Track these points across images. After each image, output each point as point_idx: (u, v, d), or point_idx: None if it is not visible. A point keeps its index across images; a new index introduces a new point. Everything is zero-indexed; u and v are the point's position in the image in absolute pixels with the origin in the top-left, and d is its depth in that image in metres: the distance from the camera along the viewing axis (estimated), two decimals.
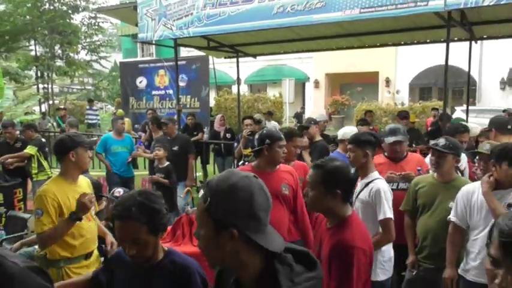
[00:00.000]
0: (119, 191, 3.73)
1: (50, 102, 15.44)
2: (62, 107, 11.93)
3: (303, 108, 22.28)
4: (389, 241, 2.89)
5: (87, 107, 15.74)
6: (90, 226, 3.00)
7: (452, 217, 2.93)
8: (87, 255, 2.95)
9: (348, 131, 4.72)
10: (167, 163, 5.64)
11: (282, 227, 3.01)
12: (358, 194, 2.97)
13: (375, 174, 3.03)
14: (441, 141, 3.19)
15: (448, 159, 3.08)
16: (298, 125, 9.56)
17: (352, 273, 1.93)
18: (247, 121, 7.18)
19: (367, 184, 2.95)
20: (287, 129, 4.34)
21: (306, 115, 23.35)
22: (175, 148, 6.23)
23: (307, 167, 3.78)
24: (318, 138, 5.40)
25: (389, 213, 2.80)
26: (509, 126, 4.06)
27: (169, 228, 3.02)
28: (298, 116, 19.12)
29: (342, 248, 1.99)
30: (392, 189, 3.42)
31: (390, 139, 3.67)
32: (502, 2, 4.50)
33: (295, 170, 3.47)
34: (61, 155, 2.94)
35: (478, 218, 2.80)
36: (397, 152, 3.71)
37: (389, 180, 3.46)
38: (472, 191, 2.86)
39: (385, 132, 4.03)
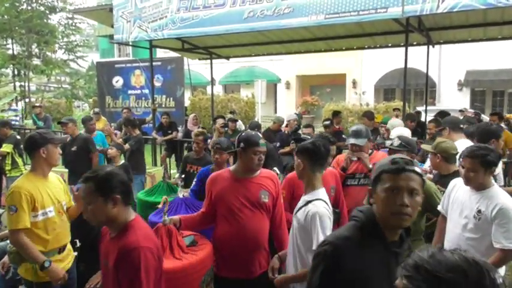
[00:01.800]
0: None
1: (27, 100, 15.44)
2: (38, 104, 12.00)
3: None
4: None
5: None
6: (62, 220, 2.98)
7: (439, 206, 3.03)
8: (60, 249, 2.95)
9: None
10: (122, 161, 5.73)
11: (263, 236, 2.86)
12: (297, 210, 2.55)
13: (318, 192, 2.52)
14: (395, 141, 3.36)
15: None
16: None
17: (141, 274, 1.86)
18: (220, 120, 7.27)
19: (306, 203, 2.49)
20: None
21: (278, 115, 23.96)
22: (74, 148, 6.10)
23: (338, 175, 3.59)
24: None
25: None
26: (461, 125, 4.34)
27: None
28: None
29: (128, 251, 1.89)
30: (353, 184, 3.68)
31: (350, 140, 3.71)
32: (454, 10, 4.90)
33: (326, 177, 3.17)
34: (32, 151, 2.94)
35: (450, 212, 2.88)
36: (358, 151, 3.69)
37: (346, 163, 3.65)
38: (454, 184, 2.92)
39: (348, 133, 4.09)
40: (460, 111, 12.80)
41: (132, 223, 2.04)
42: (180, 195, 3.63)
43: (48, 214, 2.86)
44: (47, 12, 15.99)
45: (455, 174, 3.11)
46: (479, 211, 2.63)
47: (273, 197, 2.88)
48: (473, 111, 12.94)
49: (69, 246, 3.08)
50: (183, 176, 4.43)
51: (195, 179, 4.06)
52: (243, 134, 2.96)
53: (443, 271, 0.99)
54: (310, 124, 7.86)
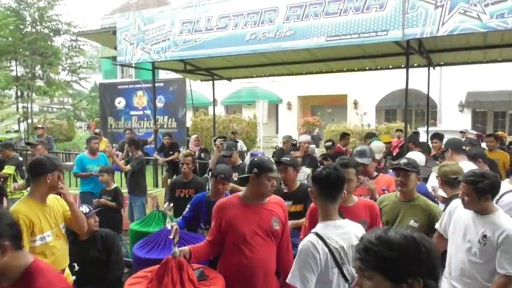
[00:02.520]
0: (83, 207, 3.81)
1: (29, 121, 15.53)
2: (40, 125, 12.03)
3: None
4: None
5: None
6: (61, 244, 2.94)
7: (437, 224, 2.99)
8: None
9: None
10: (114, 186, 5.69)
11: (274, 264, 2.79)
12: None
13: (327, 224, 2.29)
14: (403, 161, 3.25)
15: (411, 178, 3.10)
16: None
17: None
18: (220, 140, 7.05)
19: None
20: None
21: (280, 135, 24.02)
22: None
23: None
24: (239, 162, 5.47)
25: (297, 281, 2.16)
26: (463, 147, 4.37)
27: (152, 273, 2.61)
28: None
29: None
30: None
31: (356, 159, 3.65)
32: (455, 33, 4.92)
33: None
34: (38, 175, 2.85)
35: (452, 234, 2.84)
36: (362, 173, 3.64)
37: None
38: (456, 206, 2.87)
39: (352, 153, 4.07)
40: (461, 132, 12.80)
41: (35, 266, 1.76)
42: (169, 227, 3.32)
43: (47, 239, 2.82)
44: (51, 34, 16.22)
45: (455, 197, 3.07)
46: (484, 236, 2.60)
47: (282, 223, 2.80)
48: (475, 132, 12.92)
49: (67, 271, 3.03)
50: (171, 204, 4.12)
51: (188, 205, 3.82)
52: (255, 159, 2.85)
53: (387, 250, 1.19)
54: (295, 144, 7.66)
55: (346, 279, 2.21)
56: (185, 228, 3.67)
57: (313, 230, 2.27)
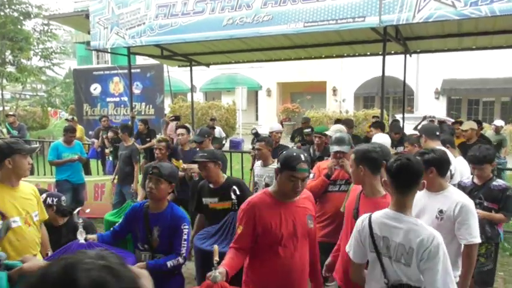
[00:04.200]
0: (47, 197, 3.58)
1: (1, 108, 15.03)
2: (12, 113, 11.68)
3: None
4: None
5: None
6: (30, 231, 2.89)
7: None
8: None
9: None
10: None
11: (307, 269, 2.58)
12: None
13: None
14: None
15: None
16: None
17: None
18: (180, 130, 5.87)
19: None
20: None
21: (259, 122, 24.04)
22: None
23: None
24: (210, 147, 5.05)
25: (348, 248, 2.37)
26: (437, 133, 4.34)
27: None
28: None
29: None
30: (334, 190, 3.67)
31: (334, 148, 3.66)
32: (430, 20, 4.99)
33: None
34: None
35: None
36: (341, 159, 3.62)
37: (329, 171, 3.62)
38: None
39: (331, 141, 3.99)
40: (430, 120, 12.87)
41: None
42: (82, 240, 2.78)
43: (12, 224, 2.76)
44: (21, 18, 15.63)
45: None
46: (440, 211, 2.67)
47: (314, 218, 2.62)
48: (450, 120, 13.16)
49: (39, 257, 2.95)
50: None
51: (122, 216, 3.21)
52: (283, 152, 2.51)
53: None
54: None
55: (383, 271, 2.16)
56: (114, 244, 3.00)
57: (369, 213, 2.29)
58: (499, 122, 8.86)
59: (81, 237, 2.80)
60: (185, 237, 2.87)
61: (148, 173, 2.97)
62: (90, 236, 2.89)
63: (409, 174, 2.13)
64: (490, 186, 3.65)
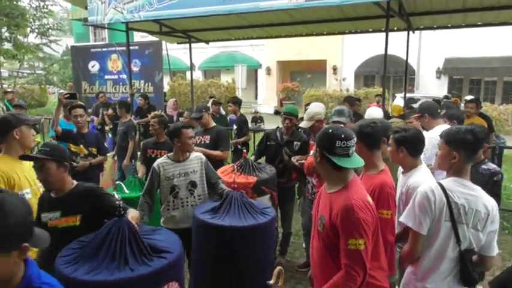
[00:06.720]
0: None
1: None
2: (10, 90, 11.59)
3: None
4: None
5: None
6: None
7: None
8: None
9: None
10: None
11: None
12: None
13: None
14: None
15: None
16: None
17: None
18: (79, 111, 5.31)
19: None
20: None
21: (259, 101, 23.91)
22: None
23: None
24: (212, 124, 4.86)
25: (410, 221, 2.27)
26: (439, 111, 4.23)
27: None
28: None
29: None
30: None
31: (333, 118, 3.66)
32: None
33: None
34: (5, 133, 2.88)
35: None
36: None
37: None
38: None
39: (331, 113, 3.95)
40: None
41: None
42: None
43: (26, 196, 2.74)
44: None
45: None
46: (401, 193, 2.67)
47: None
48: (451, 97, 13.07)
49: None
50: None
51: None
52: (326, 128, 2.20)
53: None
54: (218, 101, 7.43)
55: (458, 240, 2.16)
56: None
57: (438, 181, 2.25)
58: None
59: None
60: None
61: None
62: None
63: (478, 141, 2.18)
64: (479, 169, 3.39)
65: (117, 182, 2.40)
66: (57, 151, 2.51)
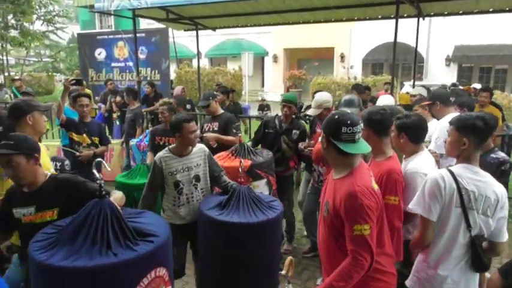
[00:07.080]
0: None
1: (6, 73, 14.91)
2: (18, 77, 11.64)
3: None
4: None
5: None
6: None
7: None
8: None
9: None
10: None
11: None
12: None
13: None
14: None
15: None
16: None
17: None
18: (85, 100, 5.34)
19: None
20: None
21: (265, 88, 23.80)
22: None
23: None
24: (220, 111, 4.75)
25: (419, 208, 2.29)
26: (451, 98, 4.15)
27: None
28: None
29: None
30: None
31: (343, 109, 3.55)
32: None
33: None
34: (18, 119, 2.87)
35: None
36: None
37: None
38: None
39: (340, 103, 3.89)
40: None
41: None
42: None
43: None
44: None
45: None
46: None
47: None
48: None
49: None
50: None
51: None
52: (334, 113, 2.19)
53: None
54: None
55: (468, 226, 2.17)
56: None
57: (447, 168, 2.26)
58: None
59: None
60: None
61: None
62: None
63: (489, 128, 2.19)
64: (487, 158, 3.32)
65: (98, 159, 2.19)
66: (25, 143, 2.29)
